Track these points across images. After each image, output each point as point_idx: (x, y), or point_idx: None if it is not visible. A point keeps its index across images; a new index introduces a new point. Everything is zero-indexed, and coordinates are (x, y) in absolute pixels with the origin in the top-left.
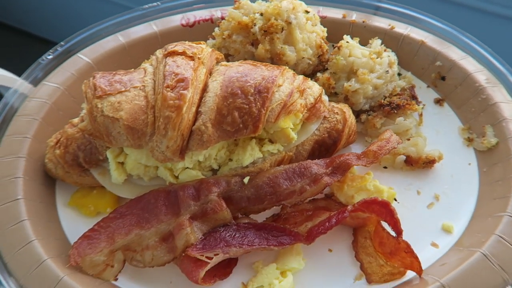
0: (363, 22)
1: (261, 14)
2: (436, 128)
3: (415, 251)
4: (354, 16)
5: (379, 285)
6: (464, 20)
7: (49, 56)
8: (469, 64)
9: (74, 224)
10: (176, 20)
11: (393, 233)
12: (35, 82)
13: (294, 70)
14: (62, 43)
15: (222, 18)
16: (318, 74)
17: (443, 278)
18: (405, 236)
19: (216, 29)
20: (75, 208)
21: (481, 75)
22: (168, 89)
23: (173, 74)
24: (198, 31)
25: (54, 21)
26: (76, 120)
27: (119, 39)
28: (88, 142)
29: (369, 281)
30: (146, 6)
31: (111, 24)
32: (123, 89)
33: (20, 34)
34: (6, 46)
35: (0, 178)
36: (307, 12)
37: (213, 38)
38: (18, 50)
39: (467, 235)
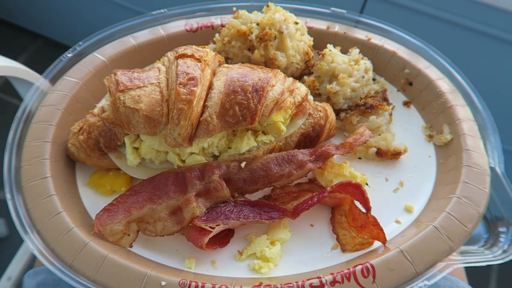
0: (345, 33)
1: (257, 24)
2: (403, 126)
3: (381, 225)
4: (337, 28)
5: (351, 253)
6: (431, 32)
7: (69, 54)
8: (432, 73)
9: (93, 200)
10: (181, 25)
11: (363, 210)
12: (57, 77)
13: (284, 73)
14: (80, 43)
15: (222, 26)
16: (305, 77)
17: (402, 245)
18: (374, 214)
19: (217, 35)
20: (93, 187)
21: (442, 82)
22: (180, 85)
23: (185, 73)
24: (201, 36)
25: (42, 13)
26: (95, 110)
27: (131, 40)
28: (108, 130)
29: (343, 250)
30: (155, 12)
31: (123, 28)
32: (142, 85)
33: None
34: None
35: (31, 159)
36: (296, 23)
37: (214, 43)
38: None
39: (424, 213)
